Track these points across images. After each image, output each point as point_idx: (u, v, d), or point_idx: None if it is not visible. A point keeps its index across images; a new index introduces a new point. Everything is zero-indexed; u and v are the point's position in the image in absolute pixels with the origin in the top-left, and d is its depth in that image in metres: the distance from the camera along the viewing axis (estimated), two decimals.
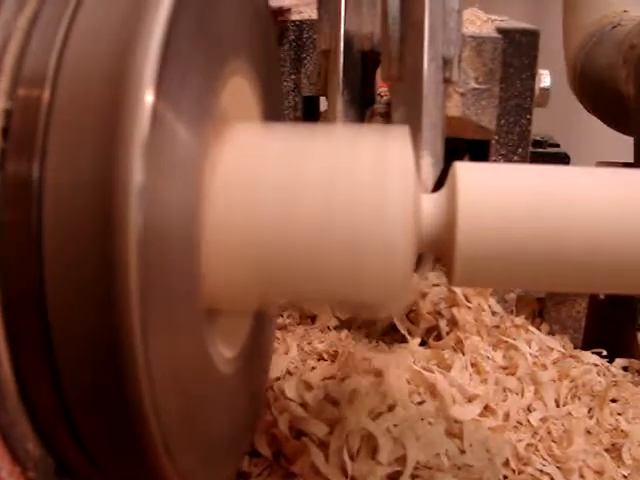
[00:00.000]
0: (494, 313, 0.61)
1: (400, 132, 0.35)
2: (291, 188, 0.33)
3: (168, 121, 0.28)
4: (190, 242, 0.31)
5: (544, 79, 0.69)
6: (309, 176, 0.33)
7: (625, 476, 0.55)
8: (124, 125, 0.26)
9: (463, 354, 0.56)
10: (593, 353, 0.67)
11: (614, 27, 1.09)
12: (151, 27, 0.27)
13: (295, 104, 0.77)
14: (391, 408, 0.48)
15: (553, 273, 0.34)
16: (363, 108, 0.65)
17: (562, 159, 0.99)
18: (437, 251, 0.36)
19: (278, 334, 0.59)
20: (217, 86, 0.35)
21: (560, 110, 1.07)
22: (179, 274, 0.30)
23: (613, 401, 0.62)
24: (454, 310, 0.58)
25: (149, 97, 0.26)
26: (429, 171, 0.46)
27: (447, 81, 0.49)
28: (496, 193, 0.34)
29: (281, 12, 0.77)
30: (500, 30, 0.66)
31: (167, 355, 0.29)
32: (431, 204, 0.35)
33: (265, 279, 0.34)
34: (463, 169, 0.35)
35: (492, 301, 0.62)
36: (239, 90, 0.38)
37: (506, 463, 0.50)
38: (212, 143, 0.34)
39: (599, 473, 0.54)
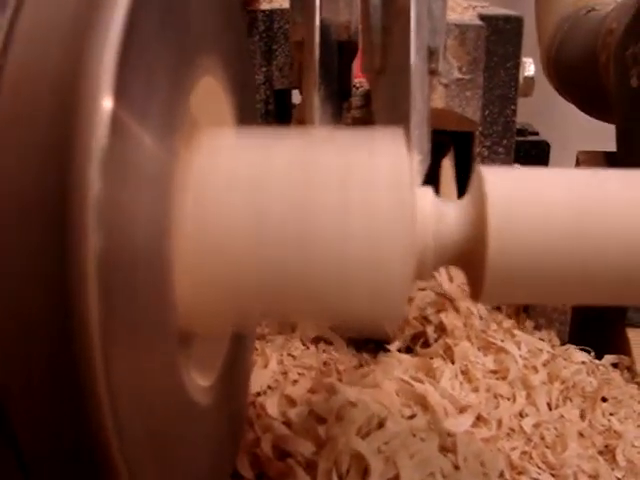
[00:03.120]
0: (481, 317, 0.59)
1: (393, 136, 0.32)
2: (270, 199, 0.30)
3: (130, 127, 0.25)
4: (159, 261, 0.28)
5: (528, 68, 0.67)
6: (296, 186, 0.30)
7: (619, 478, 0.53)
8: (79, 134, 0.23)
9: (453, 362, 0.53)
10: (581, 350, 0.66)
11: (588, 11, 1.07)
12: (109, 22, 0.24)
13: (267, 98, 0.74)
14: (381, 424, 0.45)
15: (592, 287, 0.31)
16: (341, 100, 0.62)
17: (542, 148, 0.97)
18: (460, 265, 0.33)
19: (257, 344, 0.56)
20: (186, 87, 0.31)
21: (539, 98, 1.06)
22: (147, 298, 0.27)
23: (604, 400, 0.60)
24: (442, 315, 0.56)
25: (107, 102, 0.23)
26: (417, 169, 0.43)
27: (432, 73, 0.46)
28: (529, 201, 0.31)
29: (250, 1, 0.74)
30: (482, 17, 0.63)
31: (135, 390, 0.26)
32: (453, 213, 0.32)
33: (247, 300, 0.31)
34: (490, 175, 0.32)
35: (480, 304, 0.60)
36: (211, 91, 0.35)
37: (501, 474, 0.48)
38: (182, 150, 0.31)
39: (593, 477, 0.52)
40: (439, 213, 0.32)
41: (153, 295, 0.27)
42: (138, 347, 0.26)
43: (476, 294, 0.33)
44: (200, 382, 0.34)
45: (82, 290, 0.22)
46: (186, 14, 0.32)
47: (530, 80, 0.67)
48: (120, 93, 0.24)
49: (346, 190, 0.30)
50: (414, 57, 0.40)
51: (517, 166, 0.93)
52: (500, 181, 0.32)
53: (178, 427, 0.30)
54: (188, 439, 0.32)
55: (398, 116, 0.42)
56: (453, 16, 0.63)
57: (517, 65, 0.64)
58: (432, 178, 0.66)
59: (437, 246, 0.32)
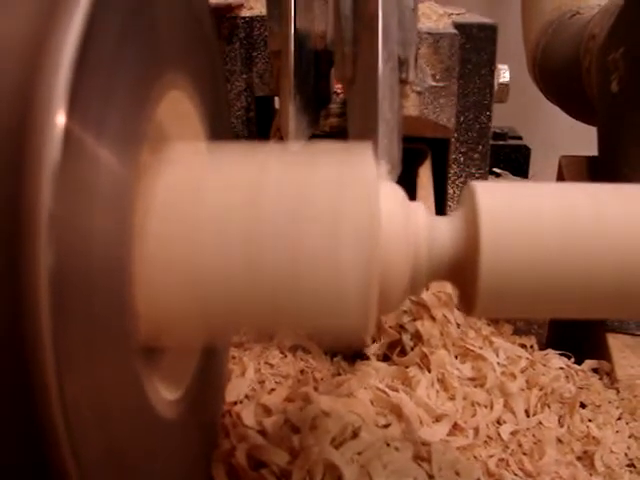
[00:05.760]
0: (458, 325, 0.59)
1: (362, 152, 0.32)
2: (240, 217, 0.30)
3: (85, 143, 0.25)
4: (118, 276, 0.27)
5: (503, 74, 0.67)
6: (260, 206, 0.30)
7: None
8: (31, 150, 0.23)
9: (429, 370, 0.53)
10: (561, 355, 0.65)
11: (573, 15, 1.08)
12: (64, 38, 0.24)
13: (248, 105, 0.74)
14: (355, 433, 0.45)
15: (585, 301, 0.32)
16: (318, 108, 0.62)
17: (523, 152, 0.98)
18: (453, 279, 0.33)
19: (234, 352, 0.56)
20: (150, 102, 0.31)
21: (523, 102, 1.06)
22: (105, 313, 0.26)
23: (583, 406, 0.60)
24: (418, 323, 0.56)
25: (60, 118, 0.23)
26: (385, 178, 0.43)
27: (403, 82, 0.46)
28: (521, 216, 0.31)
29: (230, 9, 0.74)
30: (457, 25, 0.64)
31: (93, 405, 0.26)
32: (445, 228, 0.32)
33: (212, 315, 0.31)
34: (482, 190, 0.32)
35: (457, 312, 0.60)
36: (178, 106, 0.35)
37: None
38: (146, 165, 0.30)
39: None
40: (431, 228, 0.32)
41: (111, 310, 0.27)
42: (96, 362, 0.26)
43: (469, 309, 0.33)
44: (167, 395, 0.34)
45: (34, 306, 0.22)
46: (150, 30, 0.31)
47: (505, 86, 0.67)
48: (74, 109, 0.24)
49: (308, 222, 0.29)
50: (382, 67, 0.41)
51: (505, 173, 0.94)
52: (492, 196, 0.32)
53: (142, 441, 0.30)
54: (154, 453, 0.32)
55: (368, 125, 0.42)
56: (428, 24, 0.64)
57: (491, 72, 0.64)
58: (410, 185, 0.67)
59: (430, 261, 0.32)
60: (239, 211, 0.30)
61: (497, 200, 0.32)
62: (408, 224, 0.32)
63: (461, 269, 0.32)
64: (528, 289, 0.31)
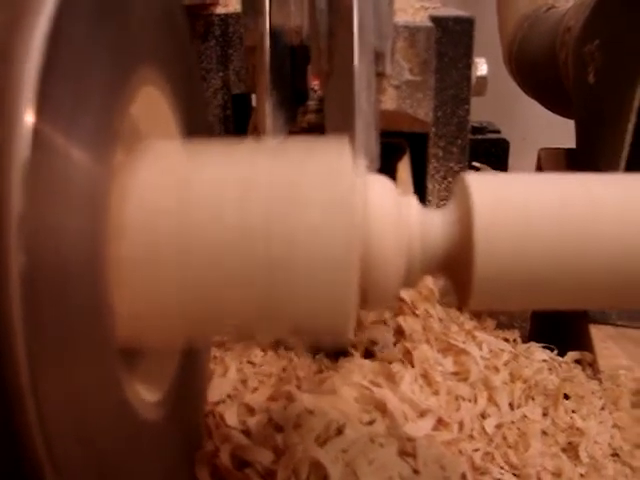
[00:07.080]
0: (441, 320, 0.59)
1: (339, 146, 0.31)
2: (219, 214, 0.29)
3: (55, 141, 0.24)
4: (94, 275, 0.27)
5: (480, 67, 0.67)
6: (249, 203, 0.29)
7: (582, 475, 0.53)
8: (1, 150, 0.22)
9: (412, 366, 0.53)
10: (544, 347, 0.66)
11: (548, 9, 1.09)
12: (31, 33, 0.23)
13: (224, 103, 0.73)
14: (340, 431, 0.45)
15: (580, 289, 0.31)
16: (295, 105, 0.61)
17: (502, 145, 0.98)
18: (447, 271, 0.33)
19: (216, 352, 0.55)
20: (123, 99, 0.31)
21: (502, 96, 1.07)
22: (80, 313, 0.26)
23: (566, 397, 0.60)
24: (400, 319, 0.55)
25: (29, 117, 0.23)
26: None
27: (380, 75, 0.46)
28: (514, 206, 0.31)
29: (205, 6, 0.74)
30: (433, 18, 0.64)
31: (70, 407, 0.25)
32: (439, 220, 0.32)
33: (192, 316, 0.30)
34: (474, 181, 0.32)
35: (439, 307, 0.60)
36: (152, 102, 0.34)
37: (462, 476, 0.48)
38: (121, 164, 0.30)
39: (556, 475, 0.52)
40: (424, 221, 0.32)
41: (87, 310, 0.26)
42: (72, 363, 0.25)
43: (464, 300, 0.33)
44: (148, 397, 0.33)
45: (5, 307, 0.22)
46: (121, 27, 0.31)
47: (483, 80, 0.67)
48: (43, 107, 0.23)
49: (291, 219, 0.29)
50: (357, 61, 0.40)
51: (485, 167, 0.94)
52: (484, 187, 0.32)
53: (122, 443, 0.30)
54: (134, 455, 0.31)
55: (345, 118, 0.41)
56: (404, 18, 0.63)
57: (468, 66, 0.64)
58: None
59: (424, 254, 0.32)
60: (227, 207, 0.29)
61: (490, 190, 0.32)
62: (400, 217, 0.31)
63: (455, 261, 0.32)
64: (523, 278, 0.31)
